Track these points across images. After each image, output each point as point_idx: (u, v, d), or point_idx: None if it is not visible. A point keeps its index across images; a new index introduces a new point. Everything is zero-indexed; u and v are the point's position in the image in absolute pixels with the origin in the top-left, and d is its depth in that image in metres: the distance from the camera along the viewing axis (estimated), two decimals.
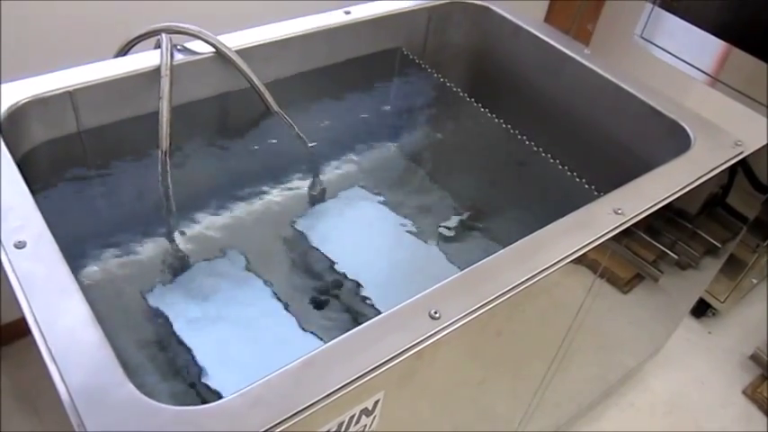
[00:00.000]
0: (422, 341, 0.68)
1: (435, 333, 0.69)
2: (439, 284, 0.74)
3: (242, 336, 1.00)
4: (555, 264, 0.79)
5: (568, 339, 1.05)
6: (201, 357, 0.95)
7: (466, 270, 0.77)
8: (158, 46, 1.02)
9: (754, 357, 1.73)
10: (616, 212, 0.87)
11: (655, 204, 0.89)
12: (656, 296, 1.32)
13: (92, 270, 1.07)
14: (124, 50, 1.05)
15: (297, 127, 1.11)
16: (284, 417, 0.60)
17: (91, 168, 1.02)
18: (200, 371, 0.93)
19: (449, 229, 1.27)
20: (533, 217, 1.23)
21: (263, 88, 1.07)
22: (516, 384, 1.06)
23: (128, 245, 1.05)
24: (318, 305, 1.14)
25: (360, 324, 0.70)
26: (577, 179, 1.18)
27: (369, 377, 0.65)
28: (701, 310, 1.80)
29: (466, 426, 1.01)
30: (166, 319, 0.99)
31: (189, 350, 0.96)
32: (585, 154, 1.18)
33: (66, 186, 1.00)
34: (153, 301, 1.02)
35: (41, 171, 0.96)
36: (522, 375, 1.05)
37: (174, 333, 0.98)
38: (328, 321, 1.11)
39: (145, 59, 1.01)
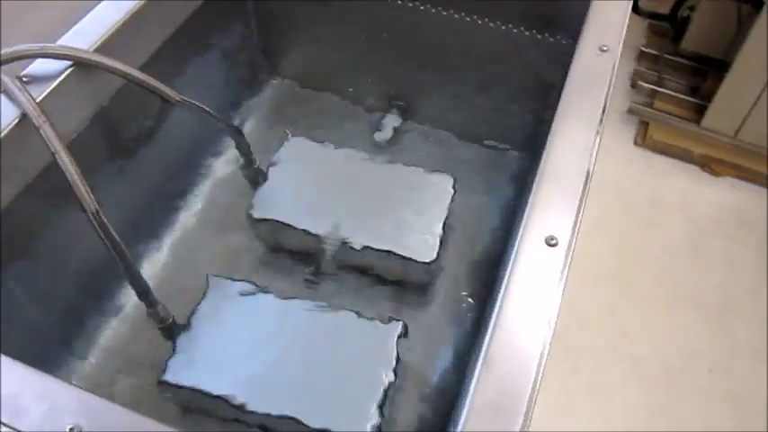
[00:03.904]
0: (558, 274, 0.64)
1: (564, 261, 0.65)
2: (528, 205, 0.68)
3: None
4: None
5: None
6: None
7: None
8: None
9: (631, 111, 1.90)
10: (602, 50, 0.84)
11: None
12: None
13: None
14: None
15: (205, 106, 0.91)
16: None
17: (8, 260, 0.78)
18: None
19: (391, 132, 1.19)
20: (463, 84, 1.17)
21: (152, 81, 0.85)
22: None
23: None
24: (312, 282, 1.04)
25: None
26: (479, 21, 1.10)
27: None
28: None
29: None
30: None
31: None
32: None
33: None
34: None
35: None
36: None
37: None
38: (334, 289, 1.01)
39: None
